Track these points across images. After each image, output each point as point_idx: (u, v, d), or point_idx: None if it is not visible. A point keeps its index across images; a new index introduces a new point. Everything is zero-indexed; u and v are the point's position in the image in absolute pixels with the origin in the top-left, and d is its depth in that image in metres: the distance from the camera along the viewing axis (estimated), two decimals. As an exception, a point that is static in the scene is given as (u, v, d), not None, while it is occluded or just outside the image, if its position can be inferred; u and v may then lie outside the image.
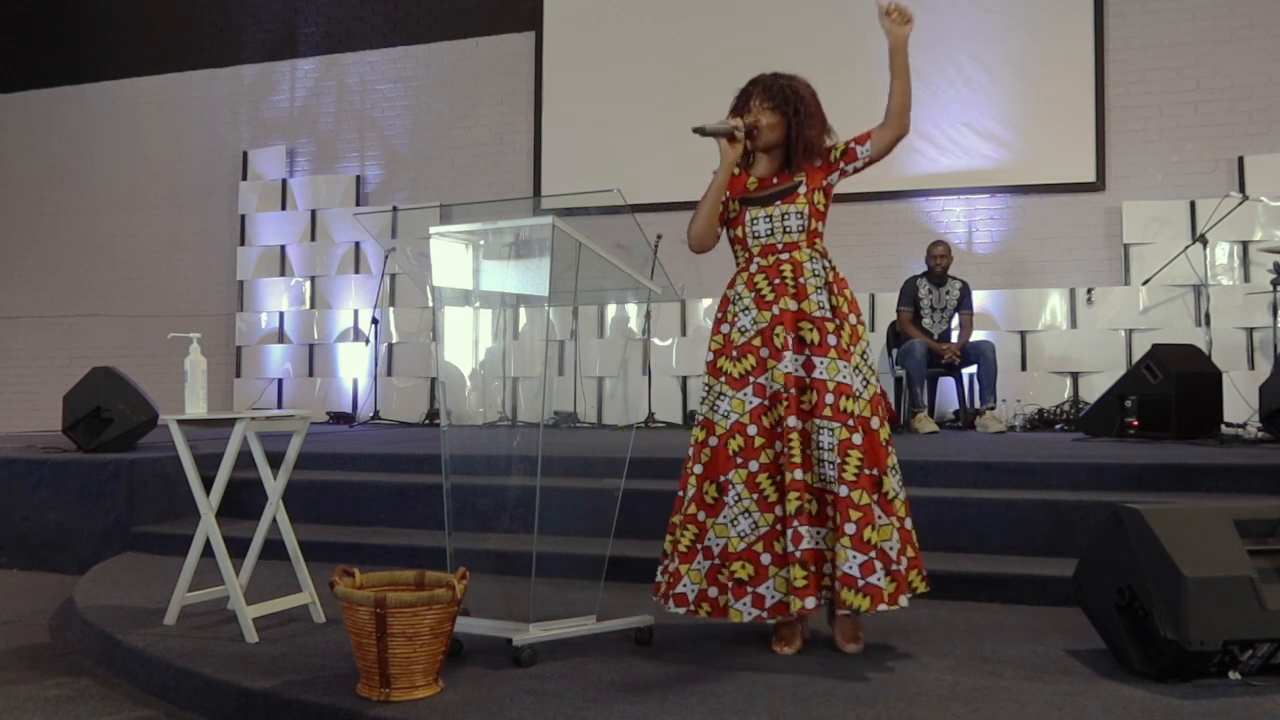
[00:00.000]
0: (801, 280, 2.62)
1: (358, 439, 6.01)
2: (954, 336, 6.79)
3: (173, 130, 10.00)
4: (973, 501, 3.50)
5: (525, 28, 8.98)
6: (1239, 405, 6.05)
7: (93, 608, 3.13)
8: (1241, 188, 7.11)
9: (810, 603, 2.45)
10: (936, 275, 6.79)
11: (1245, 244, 7.12)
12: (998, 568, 3.19)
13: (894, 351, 6.83)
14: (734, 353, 2.64)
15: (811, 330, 2.58)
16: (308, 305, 9.21)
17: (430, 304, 8.37)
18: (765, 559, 2.50)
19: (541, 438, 2.65)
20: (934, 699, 2.19)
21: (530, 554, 2.66)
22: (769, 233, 2.67)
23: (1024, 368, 7.35)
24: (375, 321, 8.21)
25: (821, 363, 2.56)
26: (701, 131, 2.73)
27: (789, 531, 2.48)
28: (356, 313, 8.92)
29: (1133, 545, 2.36)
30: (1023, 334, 7.41)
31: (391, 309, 8.75)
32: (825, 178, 2.71)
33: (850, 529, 2.44)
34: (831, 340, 2.57)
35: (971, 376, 6.75)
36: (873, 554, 2.44)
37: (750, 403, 2.58)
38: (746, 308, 2.65)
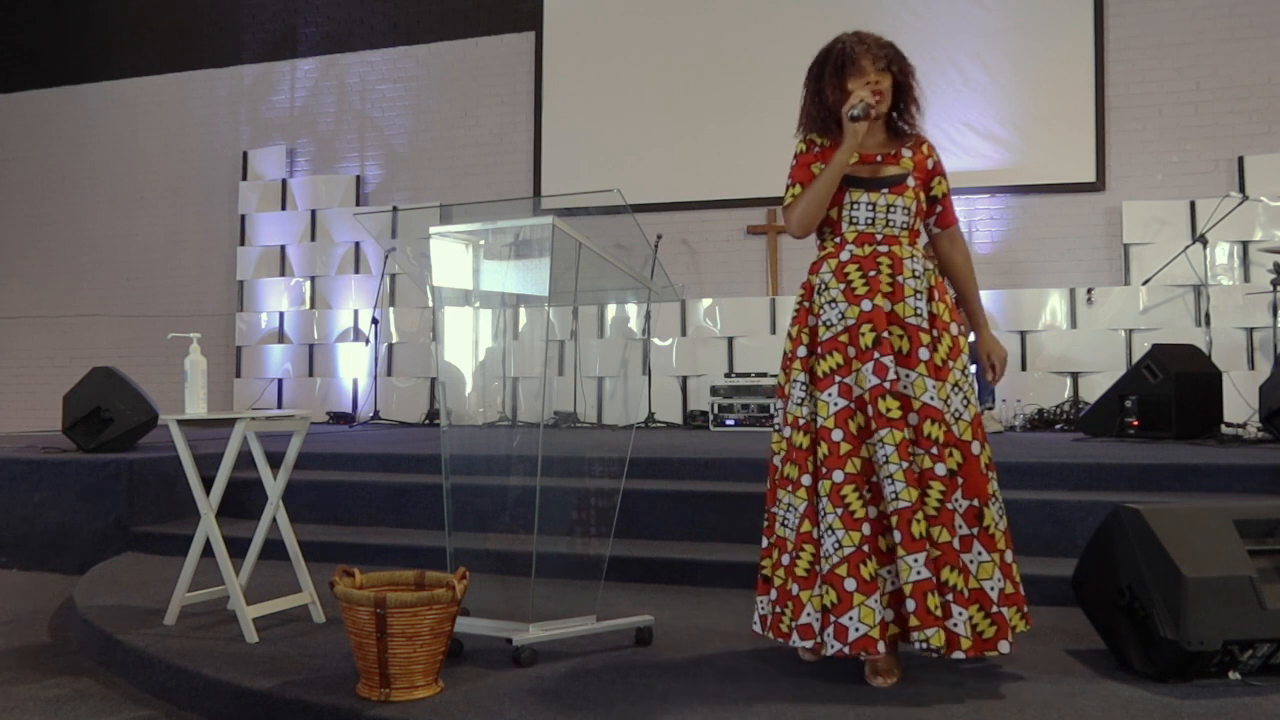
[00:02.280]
0: (900, 279, 2.35)
1: (358, 439, 6.01)
2: (954, 336, 6.79)
3: (173, 130, 10.00)
4: (973, 501, 3.49)
5: (525, 28, 8.98)
6: (1239, 405, 6.05)
7: (93, 608, 3.12)
8: (1241, 188, 7.11)
9: (881, 646, 2.17)
10: (936, 275, 6.79)
11: (1245, 244, 7.13)
12: (998, 568, 3.18)
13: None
14: (819, 349, 2.36)
15: (903, 338, 2.31)
16: (308, 305, 9.20)
17: (430, 304, 8.36)
18: (850, 584, 2.19)
19: (541, 438, 2.64)
20: (934, 699, 2.18)
21: (530, 554, 2.66)
22: (869, 221, 2.39)
23: (1024, 368, 7.35)
24: (375, 321, 8.21)
25: (908, 376, 2.29)
26: (863, 117, 2.37)
27: (898, 562, 2.20)
28: (356, 313, 8.92)
29: (1133, 545, 2.36)
30: (1023, 334, 7.41)
31: (391, 309, 8.75)
32: (923, 183, 2.47)
33: (928, 570, 2.20)
34: (924, 354, 2.30)
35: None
36: (950, 596, 2.19)
37: (836, 404, 2.29)
38: (834, 300, 2.36)
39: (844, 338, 2.33)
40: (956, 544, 2.24)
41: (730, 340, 7.86)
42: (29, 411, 9.78)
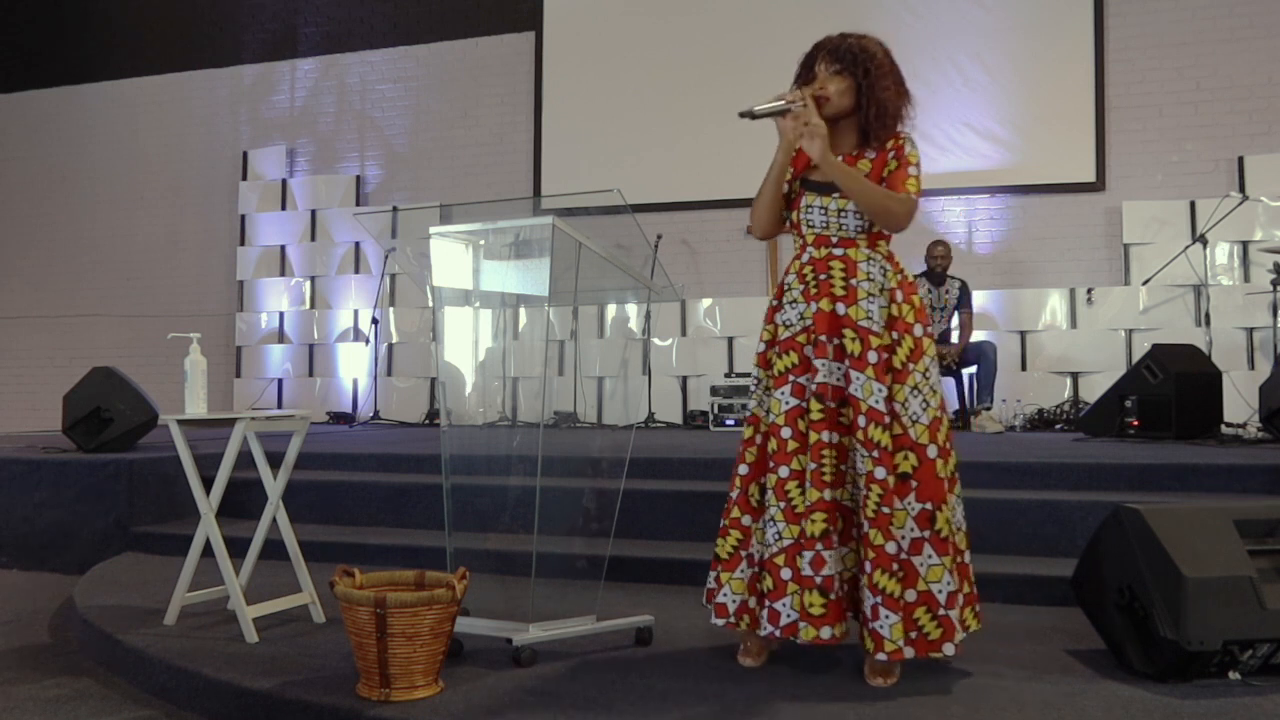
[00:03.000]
0: (854, 282, 2.37)
1: (358, 439, 6.01)
2: (954, 336, 6.79)
3: (173, 130, 10.00)
4: (973, 501, 3.48)
5: (525, 28, 8.98)
6: (1239, 405, 6.05)
7: (93, 608, 3.12)
8: (1241, 188, 7.11)
9: (826, 633, 2.25)
10: (936, 275, 6.79)
11: (1245, 244, 7.13)
12: (998, 568, 3.19)
13: (894, 351, 6.81)
14: (778, 347, 2.42)
15: (855, 341, 2.33)
16: (308, 305, 9.21)
17: (430, 304, 8.37)
18: (785, 574, 2.29)
19: (541, 438, 2.64)
20: (934, 699, 2.18)
21: (530, 554, 2.66)
22: (824, 225, 2.42)
23: (1024, 368, 7.35)
24: (375, 321, 8.21)
25: (858, 379, 2.31)
26: (750, 115, 2.42)
27: (809, 554, 2.27)
28: (356, 313, 8.92)
29: (1133, 545, 2.36)
30: (1023, 334, 7.41)
31: (391, 309, 8.75)
32: (879, 181, 2.42)
33: (868, 568, 2.25)
34: (872, 357, 2.31)
35: (972, 376, 6.75)
36: (879, 599, 2.23)
37: (787, 403, 2.35)
38: (795, 300, 2.42)
39: (801, 338, 2.39)
40: (895, 548, 2.25)
41: (730, 340, 7.86)
42: (29, 411, 9.78)
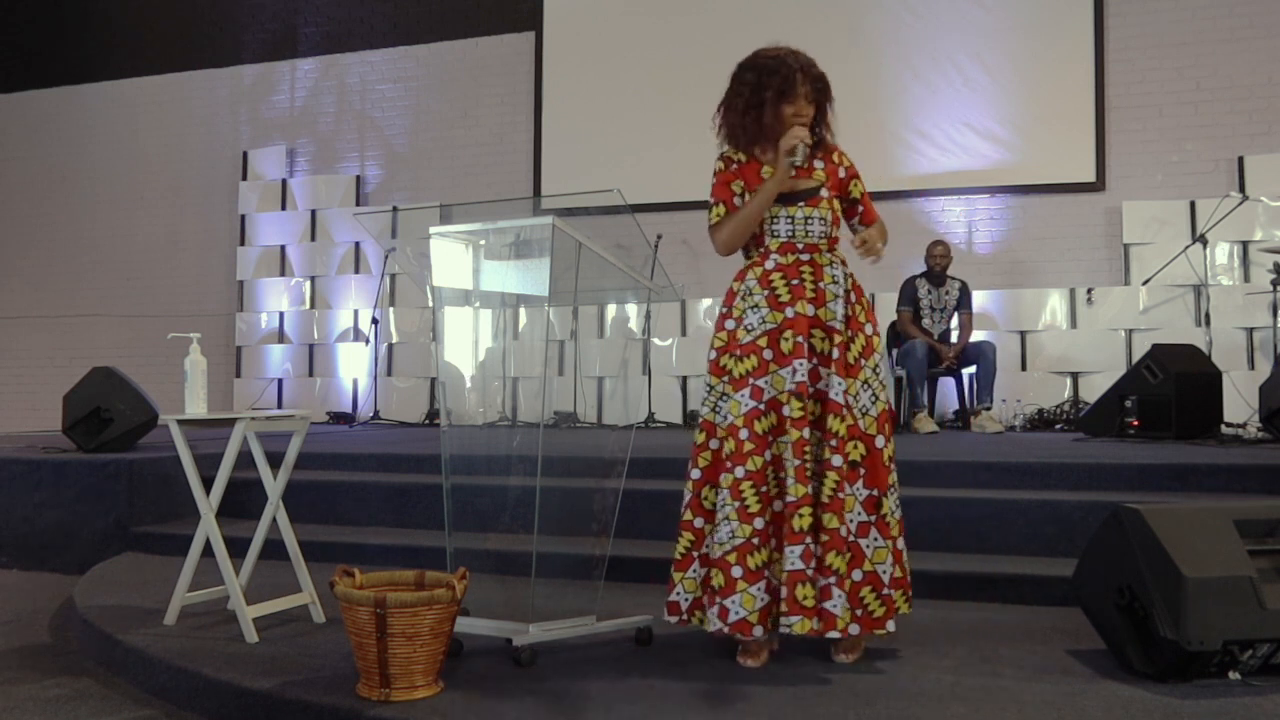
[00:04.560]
0: (821, 285, 2.51)
1: (358, 439, 6.01)
2: (954, 336, 6.79)
3: (173, 130, 10.00)
4: (973, 501, 3.50)
5: (525, 28, 8.98)
6: (1239, 405, 6.05)
7: (93, 608, 3.13)
8: (1241, 188, 7.11)
9: (758, 632, 2.36)
10: (936, 275, 6.79)
11: (1245, 244, 7.12)
12: (998, 568, 3.19)
13: (894, 351, 6.82)
14: (737, 351, 2.51)
15: (824, 339, 2.48)
16: (308, 305, 9.21)
17: (430, 304, 8.37)
18: (736, 571, 2.37)
19: (541, 438, 2.64)
20: (934, 699, 2.19)
21: (530, 554, 2.66)
22: (790, 234, 2.54)
23: (1024, 368, 7.35)
24: (375, 321, 8.21)
25: (825, 374, 2.47)
26: (799, 165, 2.51)
27: (798, 548, 2.34)
28: (356, 313, 8.92)
29: (1133, 545, 2.36)
30: (1023, 334, 7.41)
31: (391, 309, 8.75)
32: (837, 192, 2.63)
33: (817, 551, 2.36)
34: (835, 354, 2.47)
35: (971, 377, 6.75)
36: (831, 579, 2.34)
37: (745, 405, 2.45)
38: (756, 305, 2.51)
39: (762, 341, 2.49)
40: (845, 531, 2.38)
41: (730, 340, 7.84)
42: (29, 411, 9.78)
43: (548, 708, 2.13)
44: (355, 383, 8.83)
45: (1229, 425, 5.44)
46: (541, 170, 8.83)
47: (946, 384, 6.96)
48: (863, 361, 2.50)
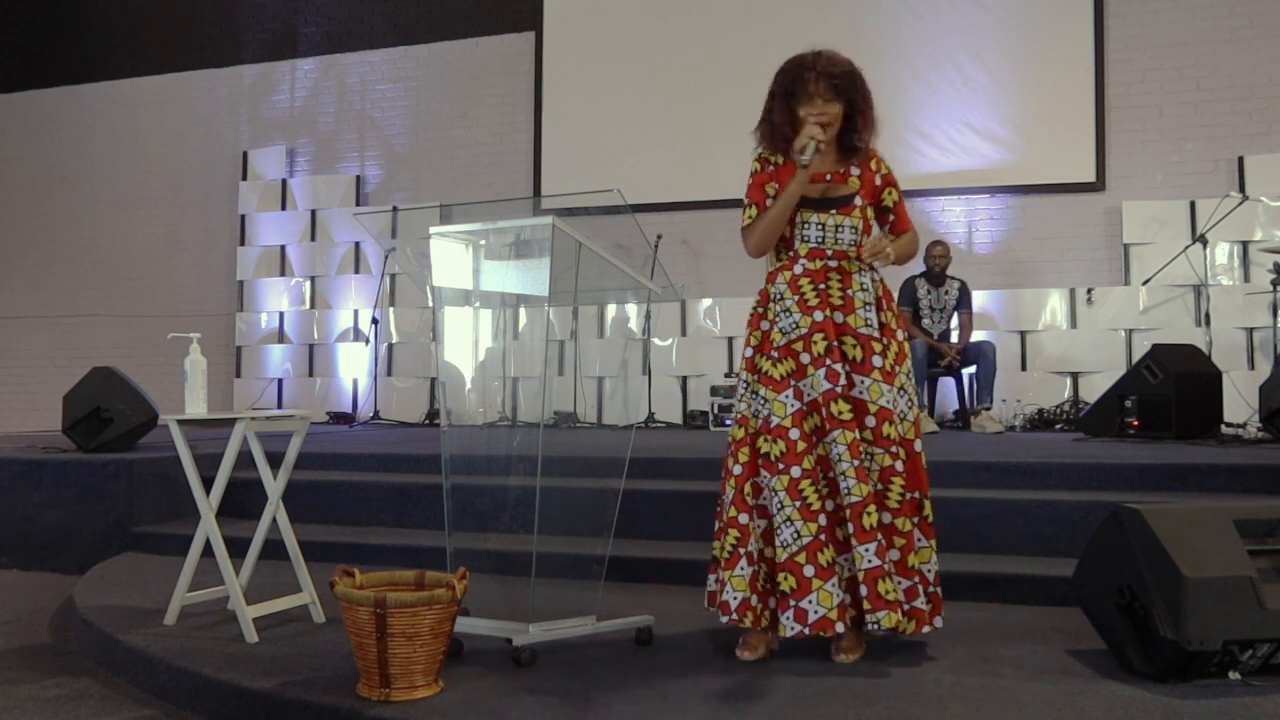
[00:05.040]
0: (849, 293, 2.53)
1: (358, 439, 6.01)
2: (954, 336, 6.79)
3: (173, 130, 10.00)
4: (973, 501, 3.50)
5: (525, 28, 8.98)
6: (1239, 405, 6.05)
7: (93, 608, 3.12)
8: (1241, 188, 7.11)
9: (840, 627, 2.38)
10: (935, 275, 6.79)
11: (1245, 244, 7.12)
12: (998, 568, 3.19)
13: (894, 351, 6.81)
14: (774, 353, 2.52)
15: (855, 347, 2.50)
16: (308, 305, 9.21)
17: (430, 304, 8.37)
18: (809, 570, 2.38)
19: (541, 438, 2.64)
20: (934, 699, 2.18)
21: (530, 554, 2.66)
22: (819, 239, 2.55)
23: (1024, 368, 7.35)
24: (375, 321, 8.21)
25: (863, 382, 2.47)
26: (807, 166, 2.50)
27: (853, 551, 2.40)
28: (356, 313, 8.92)
29: (1133, 545, 2.36)
30: (1023, 334, 7.41)
31: (391, 309, 8.75)
32: (871, 200, 2.62)
33: (895, 555, 2.45)
34: (876, 361, 2.48)
35: (971, 377, 6.75)
36: (916, 579, 2.46)
37: (791, 406, 2.47)
38: (788, 309, 2.54)
39: (798, 345, 2.51)
40: (911, 531, 2.48)
41: (730, 340, 7.86)
42: (29, 411, 9.78)
43: (548, 708, 2.13)
44: (355, 383, 8.83)
45: (1229, 425, 5.44)
46: (541, 170, 8.83)
47: (946, 384, 6.96)
48: (897, 368, 2.53)
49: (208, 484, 2.90)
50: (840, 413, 2.44)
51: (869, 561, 2.38)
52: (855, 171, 2.60)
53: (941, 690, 2.24)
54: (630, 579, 3.34)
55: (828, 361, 2.47)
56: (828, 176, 2.59)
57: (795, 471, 2.42)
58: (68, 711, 2.47)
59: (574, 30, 8.82)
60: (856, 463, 2.41)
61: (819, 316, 2.50)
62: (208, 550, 2.86)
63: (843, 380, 2.46)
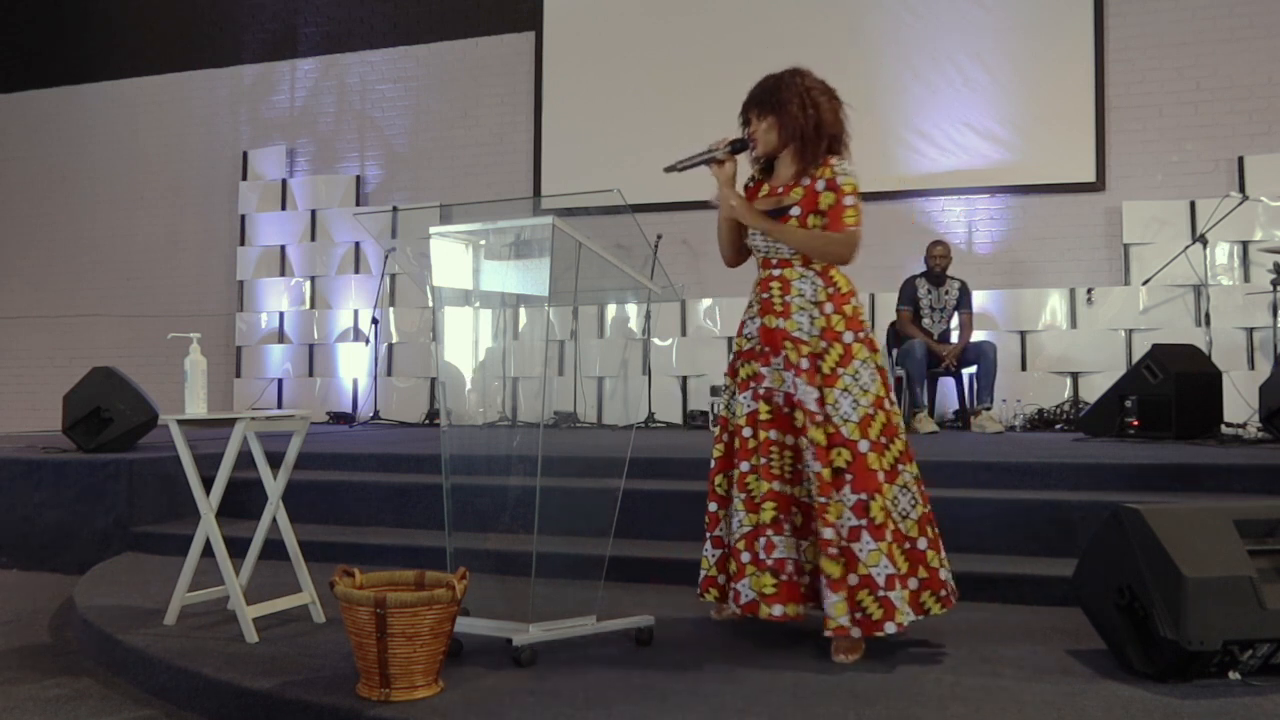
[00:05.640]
0: (788, 299, 2.64)
1: (358, 439, 6.01)
2: (954, 336, 6.79)
3: (173, 130, 10.00)
4: (973, 501, 3.50)
5: (525, 28, 8.98)
6: (1239, 405, 6.05)
7: (93, 608, 3.12)
8: (1241, 188, 7.11)
9: (777, 610, 2.50)
10: (935, 275, 6.79)
11: (1245, 244, 7.12)
12: (998, 568, 3.19)
13: (894, 352, 6.83)
14: (742, 357, 2.73)
15: (793, 350, 2.60)
16: (308, 305, 9.21)
17: (430, 304, 8.36)
18: (745, 557, 2.59)
19: (541, 438, 2.64)
20: (934, 699, 2.19)
21: (530, 554, 2.66)
22: (765, 249, 2.71)
23: (1024, 368, 7.35)
24: (375, 321, 8.21)
25: (799, 384, 2.57)
26: (675, 169, 2.74)
27: (763, 540, 2.54)
28: (356, 313, 8.92)
29: (1133, 545, 2.36)
30: (1023, 334, 7.41)
31: (391, 309, 8.75)
32: (811, 209, 2.64)
33: (822, 562, 2.50)
34: (804, 364, 2.57)
35: (971, 377, 6.75)
36: (823, 581, 2.48)
37: (748, 407, 2.65)
38: (752, 315, 2.73)
39: (757, 348, 2.68)
40: (835, 535, 2.48)
41: (730, 340, 7.86)
42: (29, 411, 9.78)
43: (548, 708, 2.13)
44: (355, 383, 8.83)
45: (1229, 425, 5.44)
46: (541, 170, 8.83)
47: (946, 384, 6.96)
48: (840, 370, 2.56)
49: (208, 484, 2.90)
50: (761, 413, 2.61)
51: (750, 555, 2.57)
52: (806, 182, 2.66)
53: (941, 690, 2.24)
54: (630, 579, 3.34)
55: (771, 367, 2.62)
56: (780, 189, 2.70)
57: (744, 466, 2.62)
58: (68, 711, 2.47)
59: (574, 30, 8.82)
60: (764, 461, 2.57)
61: (761, 323, 2.67)
62: (208, 550, 2.86)
63: (770, 382, 2.62)
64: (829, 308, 2.61)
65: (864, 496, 2.48)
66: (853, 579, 2.45)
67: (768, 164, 2.76)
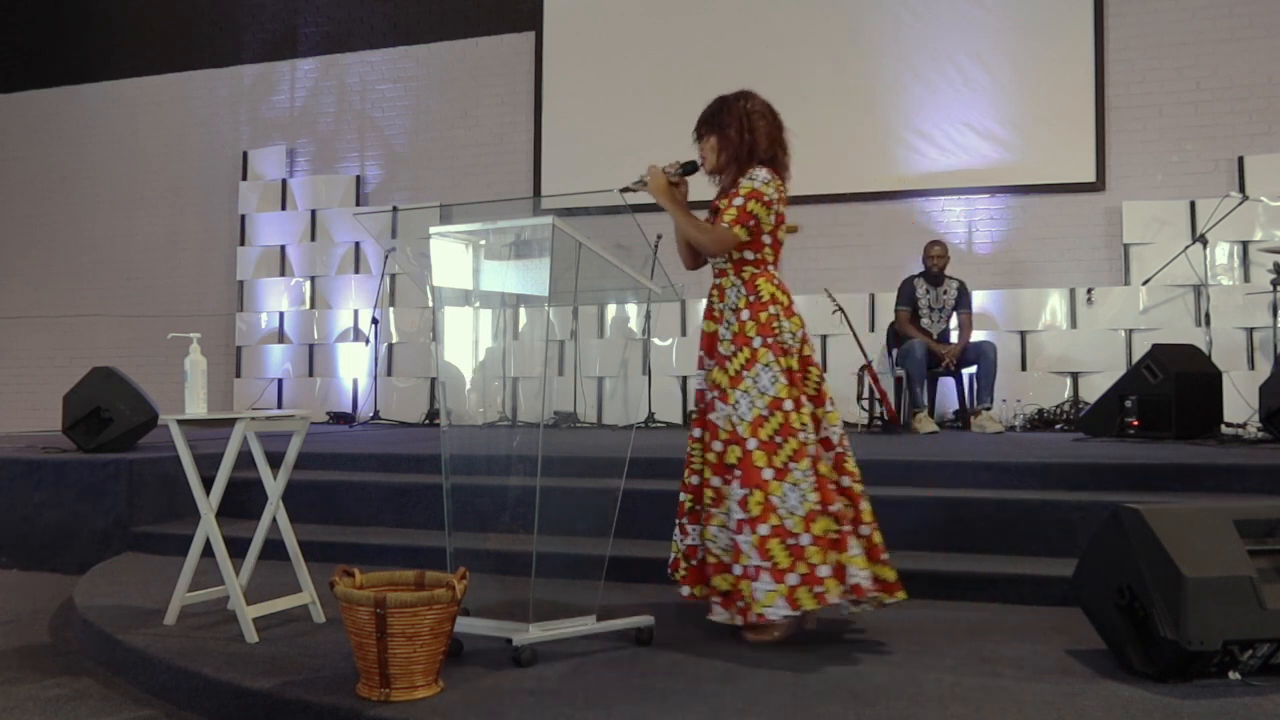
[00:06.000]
0: (720, 305, 2.88)
1: (358, 439, 6.01)
2: (953, 336, 6.79)
3: (173, 130, 10.00)
4: (973, 501, 3.50)
5: (525, 28, 8.98)
6: (1239, 405, 6.05)
7: (93, 608, 3.13)
8: (1241, 188, 7.11)
9: (685, 591, 2.82)
10: (933, 275, 6.79)
11: (1245, 244, 7.12)
12: (998, 568, 3.19)
13: (894, 351, 6.83)
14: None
15: (719, 353, 2.83)
16: (308, 305, 9.20)
17: (430, 304, 8.36)
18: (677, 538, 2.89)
19: (541, 438, 2.64)
20: (934, 699, 2.19)
21: (530, 554, 2.66)
22: (710, 260, 2.97)
23: (1024, 368, 7.34)
24: (375, 321, 8.20)
25: (720, 388, 2.79)
26: (625, 191, 3.01)
27: (676, 527, 2.85)
28: (356, 313, 8.92)
29: (1133, 545, 2.36)
30: (1023, 334, 7.41)
31: (391, 309, 8.75)
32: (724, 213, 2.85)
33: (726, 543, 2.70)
34: (728, 365, 2.78)
35: (971, 376, 6.75)
36: (711, 563, 2.71)
37: (698, 407, 2.90)
38: (703, 319, 2.98)
39: (702, 351, 2.92)
40: (718, 528, 2.70)
41: (730, 340, 7.84)
42: (29, 411, 9.78)
43: (548, 708, 2.13)
44: (355, 383, 8.83)
45: (1229, 425, 5.44)
46: (541, 170, 8.82)
47: (946, 384, 6.96)
48: (745, 373, 2.73)
49: (208, 484, 2.90)
50: (696, 413, 2.88)
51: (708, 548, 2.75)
52: (732, 192, 2.88)
53: (941, 690, 2.24)
54: (630, 579, 3.34)
55: (702, 369, 2.88)
56: (719, 203, 2.94)
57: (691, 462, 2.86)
58: (68, 711, 2.47)
59: (574, 30, 8.82)
60: (708, 455, 2.77)
61: (702, 328, 2.93)
62: (208, 550, 2.86)
63: (700, 384, 2.89)
64: (745, 314, 2.80)
65: (746, 491, 2.63)
66: (737, 569, 2.61)
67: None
